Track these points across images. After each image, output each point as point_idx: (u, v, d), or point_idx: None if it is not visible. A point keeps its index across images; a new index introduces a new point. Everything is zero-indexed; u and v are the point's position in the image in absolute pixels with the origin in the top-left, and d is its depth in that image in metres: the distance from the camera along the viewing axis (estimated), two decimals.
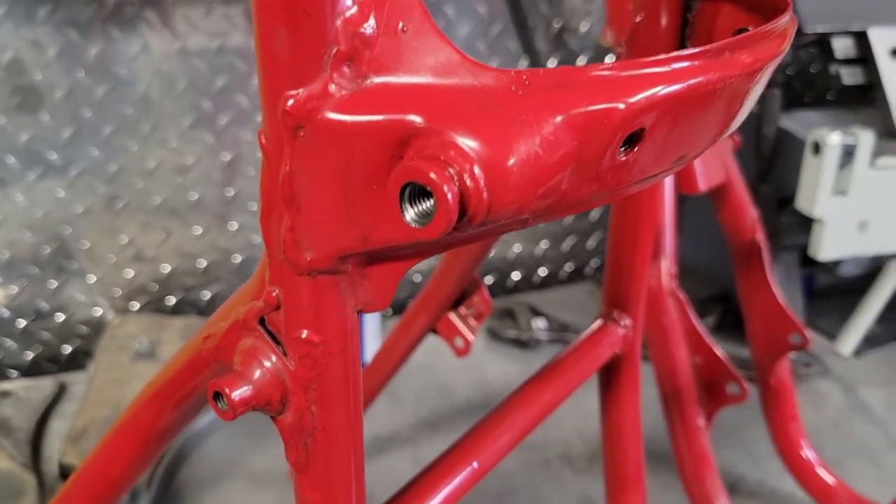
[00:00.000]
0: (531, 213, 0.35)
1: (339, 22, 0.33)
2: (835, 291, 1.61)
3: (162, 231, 1.44)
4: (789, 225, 1.38)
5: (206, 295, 1.50)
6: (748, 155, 1.36)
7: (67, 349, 1.43)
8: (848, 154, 1.23)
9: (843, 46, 1.31)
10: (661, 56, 0.35)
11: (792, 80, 1.60)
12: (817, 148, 1.24)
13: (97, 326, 1.43)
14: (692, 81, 0.35)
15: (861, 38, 1.30)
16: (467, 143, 0.32)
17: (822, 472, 1.12)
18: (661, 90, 0.34)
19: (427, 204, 0.32)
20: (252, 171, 1.45)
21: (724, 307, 1.53)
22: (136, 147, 1.37)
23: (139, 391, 0.50)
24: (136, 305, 1.46)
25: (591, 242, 1.75)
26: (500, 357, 1.47)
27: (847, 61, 1.32)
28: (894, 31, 1.29)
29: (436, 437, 1.28)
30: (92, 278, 1.42)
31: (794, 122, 1.37)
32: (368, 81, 0.34)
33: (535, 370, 0.66)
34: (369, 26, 0.33)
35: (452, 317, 0.89)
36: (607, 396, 0.72)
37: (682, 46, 0.59)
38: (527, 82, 0.33)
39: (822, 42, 1.32)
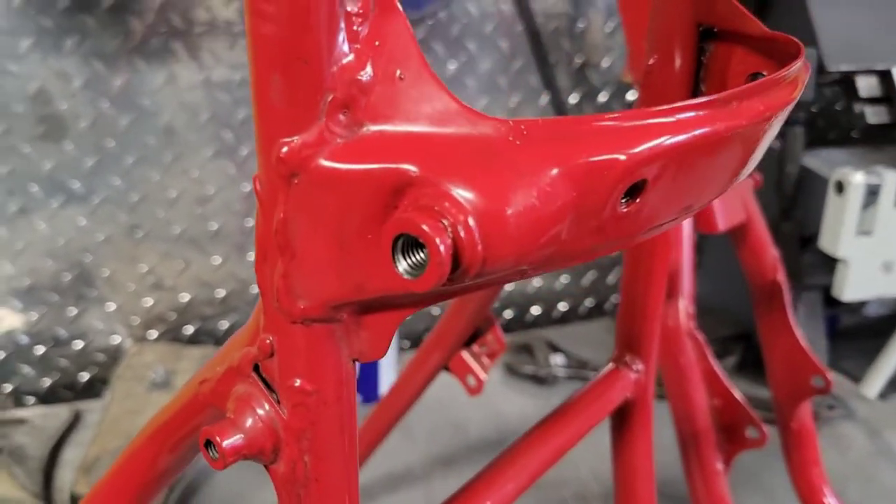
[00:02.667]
0: (529, 264, 0.34)
1: (335, 69, 0.32)
2: (860, 332, 1.58)
3: (181, 260, 1.44)
4: (812, 264, 1.36)
5: (224, 325, 1.50)
6: (770, 192, 1.34)
7: (84, 377, 1.44)
8: (872, 194, 1.21)
9: (867, 85, 1.29)
10: (666, 106, 0.35)
11: (816, 117, 1.59)
12: (841, 187, 1.23)
13: (114, 354, 1.43)
14: (697, 132, 0.34)
15: (885, 77, 1.29)
16: (462, 193, 0.31)
17: None
18: (665, 141, 0.34)
19: (420, 255, 0.32)
20: None
21: (746, 346, 1.50)
22: (157, 177, 1.38)
23: (140, 429, 0.50)
24: (154, 334, 1.46)
25: (612, 278, 1.74)
26: (516, 393, 1.45)
27: (871, 100, 1.30)
28: None
29: (449, 475, 1.26)
30: (111, 306, 1.42)
31: (818, 160, 1.35)
32: (364, 129, 0.33)
33: (552, 407, 0.65)
34: (366, 74, 0.33)
35: (465, 355, 0.88)
36: (619, 441, 0.70)
37: (696, 89, 0.59)
38: (525, 132, 0.33)
39: (847, 80, 1.30)
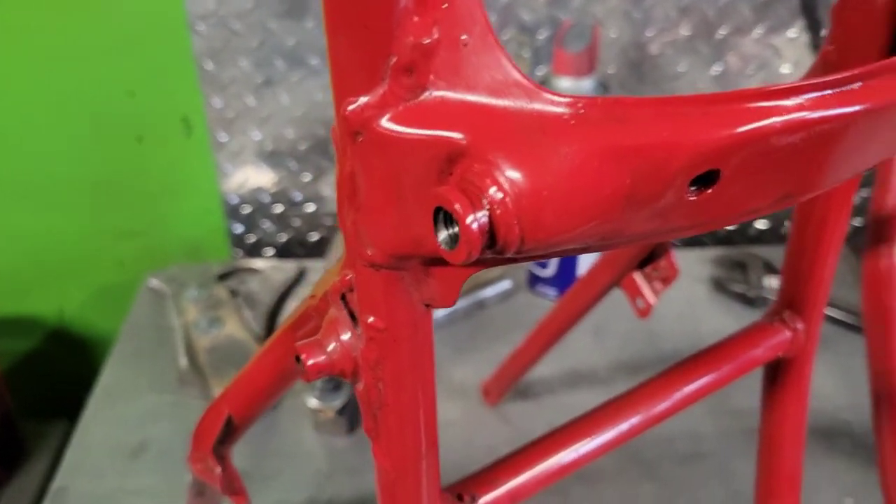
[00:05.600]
0: (579, 244, 0.33)
1: (400, 32, 0.32)
2: None
3: None
4: None
5: None
6: None
7: (314, 236, 1.58)
8: None
9: None
10: (765, 88, 0.31)
11: None
12: None
13: None
14: (782, 120, 0.30)
15: None
16: (507, 171, 0.31)
17: None
18: (742, 129, 0.30)
19: (457, 229, 0.32)
20: None
21: None
22: None
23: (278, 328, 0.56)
24: None
25: (857, 198, 1.57)
26: (720, 311, 1.39)
27: None
28: None
29: (634, 383, 1.26)
30: None
31: None
32: (426, 94, 0.33)
33: None
34: (431, 37, 0.32)
35: (637, 276, 0.86)
36: (769, 399, 0.67)
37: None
38: (581, 111, 0.31)
39: None
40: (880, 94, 0.32)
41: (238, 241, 1.58)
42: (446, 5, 0.32)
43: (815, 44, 1.37)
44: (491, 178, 0.31)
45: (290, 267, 1.46)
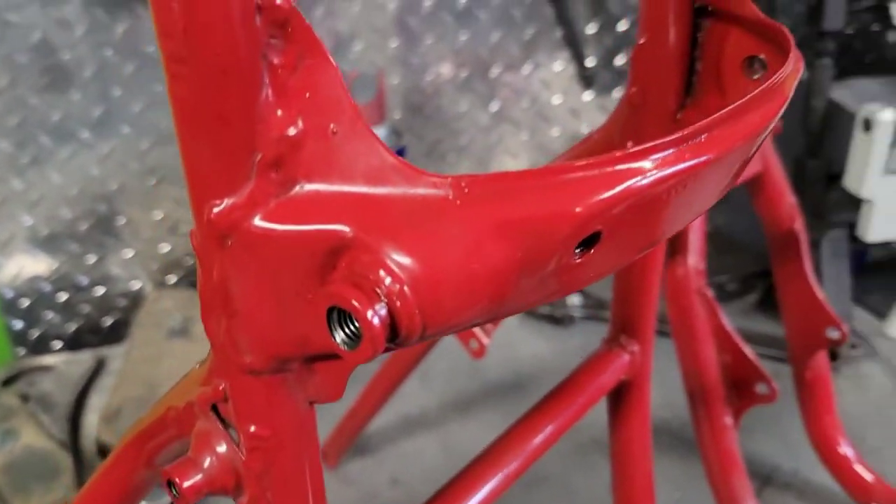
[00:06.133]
0: (478, 320, 0.32)
1: (262, 126, 0.30)
2: (888, 265, 1.54)
3: None
4: (838, 202, 1.31)
5: None
6: (796, 128, 1.29)
7: (108, 321, 1.46)
8: None
9: None
10: (619, 153, 0.32)
11: (851, 41, 1.51)
12: (868, 125, 1.17)
13: (136, 299, 1.45)
14: (656, 176, 0.32)
15: None
16: (398, 258, 0.30)
17: (860, 469, 1.08)
18: (615, 191, 0.31)
19: (356, 326, 0.30)
20: None
21: (768, 284, 1.47)
22: (167, 122, 1.36)
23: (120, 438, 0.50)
24: (173, 279, 1.48)
25: None
26: (533, 334, 1.45)
27: None
28: None
29: (466, 420, 1.27)
30: (129, 253, 1.43)
31: (848, 91, 1.29)
32: (298, 188, 0.32)
33: (568, 349, 0.64)
34: (297, 129, 0.31)
35: None
36: (616, 421, 0.70)
37: (692, 69, 0.55)
38: (465, 190, 0.31)
39: (880, 7, 1.23)
40: (723, 142, 0.35)
41: (19, 338, 1.42)
42: (309, 94, 0.31)
43: (583, 74, 1.48)
44: (384, 267, 0.30)
45: (85, 358, 1.34)
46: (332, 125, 0.31)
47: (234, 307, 0.33)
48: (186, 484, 0.38)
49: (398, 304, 0.30)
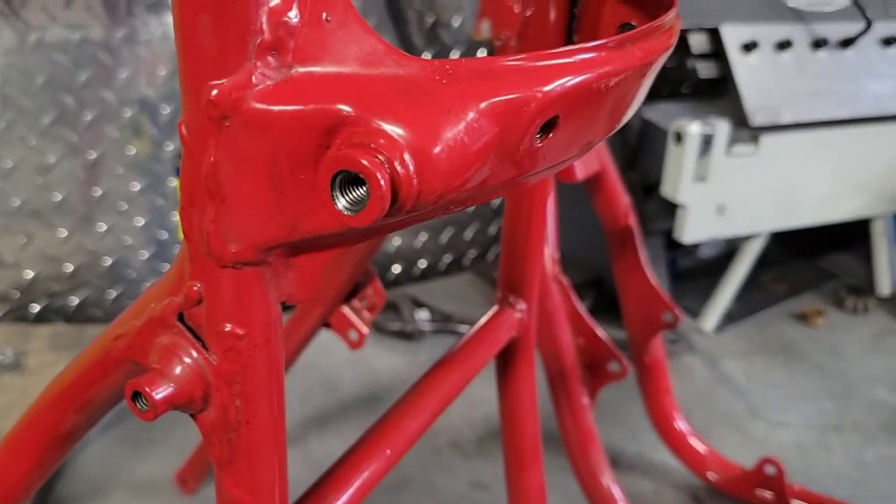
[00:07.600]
0: (456, 198, 0.36)
1: (263, 11, 0.33)
2: (695, 273, 1.72)
3: (22, 234, 1.35)
4: (655, 211, 1.46)
5: (74, 301, 1.43)
6: (615, 145, 1.43)
7: None
8: (706, 143, 1.31)
9: (698, 42, 1.40)
10: (566, 48, 0.37)
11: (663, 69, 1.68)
12: (679, 137, 1.32)
13: None
14: (600, 70, 0.37)
15: (714, 34, 1.39)
16: (395, 130, 0.33)
17: (695, 442, 1.19)
18: (572, 80, 0.36)
19: (359, 192, 0.33)
20: (121, 169, 1.39)
21: (598, 291, 1.60)
22: None
23: (41, 392, 0.48)
24: None
25: (469, 233, 1.79)
26: (385, 350, 1.47)
27: (702, 56, 1.41)
28: (744, 27, 1.39)
29: (325, 435, 1.27)
30: None
31: (656, 113, 1.45)
32: (294, 71, 0.34)
33: (420, 361, 0.68)
34: (293, 16, 0.33)
35: (346, 310, 0.89)
36: (505, 380, 0.74)
37: (570, 39, 0.62)
38: (450, 72, 0.34)
39: (680, 38, 1.40)
40: (647, 52, 0.41)
41: None
42: None
43: (403, 38, 1.53)
44: (385, 137, 0.33)
45: None
46: (324, 13, 0.34)
47: (225, 193, 0.35)
48: (158, 393, 0.38)
49: (399, 168, 0.32)
